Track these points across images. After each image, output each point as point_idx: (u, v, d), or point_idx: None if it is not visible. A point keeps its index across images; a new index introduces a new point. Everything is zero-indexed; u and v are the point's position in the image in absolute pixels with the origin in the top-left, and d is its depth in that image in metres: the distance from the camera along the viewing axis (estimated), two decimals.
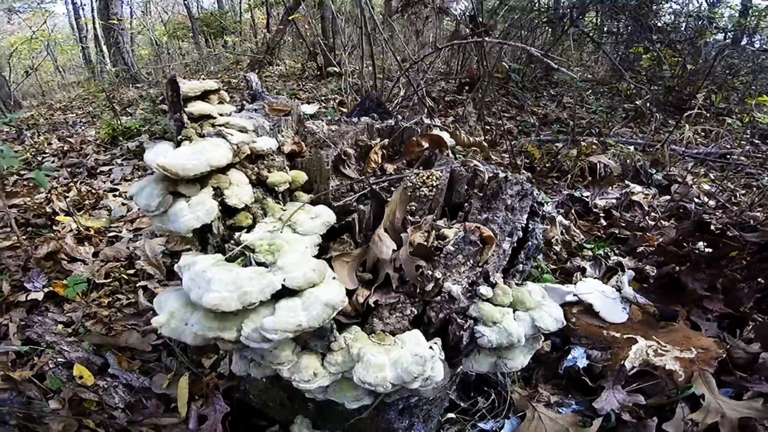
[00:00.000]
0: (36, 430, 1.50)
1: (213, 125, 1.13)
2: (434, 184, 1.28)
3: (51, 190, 3.24)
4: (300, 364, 0.98)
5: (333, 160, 1.38)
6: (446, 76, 6.18)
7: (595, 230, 2.78)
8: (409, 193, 1.28)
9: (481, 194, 1.28)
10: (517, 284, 1.22)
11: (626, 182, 3.32)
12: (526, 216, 1.28)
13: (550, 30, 7.13)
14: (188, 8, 11.41)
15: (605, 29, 8.04)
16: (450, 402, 1.62)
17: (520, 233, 1.26)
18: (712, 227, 2.20)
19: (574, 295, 1.95)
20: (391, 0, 7.17)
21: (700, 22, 7.69)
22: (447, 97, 5.38)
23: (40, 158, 4.38)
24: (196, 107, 1.13)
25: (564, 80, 6.73)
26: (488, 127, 4.36)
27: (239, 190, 1.07)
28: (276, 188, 1.17)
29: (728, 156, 4.24)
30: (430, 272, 1.08)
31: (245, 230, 1.07)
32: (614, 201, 3.05)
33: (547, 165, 3.70)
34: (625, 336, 1.76)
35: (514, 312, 1.16)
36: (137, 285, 2.31)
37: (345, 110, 4.44)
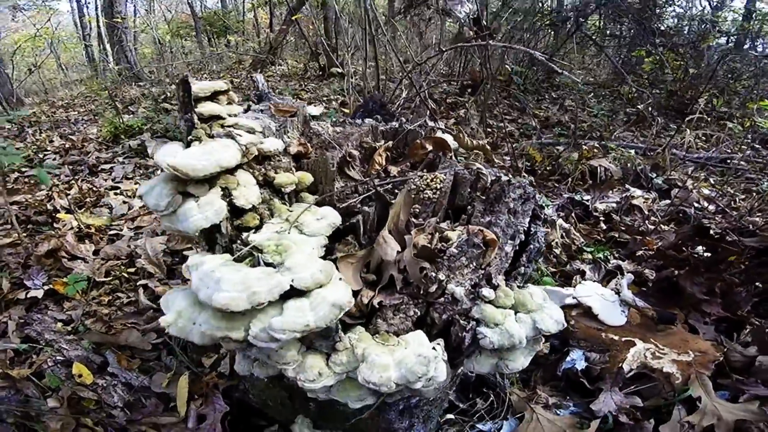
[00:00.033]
0: (34, 428, 1.49)
1: (222, 126, 1.15)
2: (438, 187, 1.30)
3: (52, 187, 3.24)
4: (305, 364, 1.00)
5: (338, 162, 1.40)
6: (448, 77, 6.21)
7: (595, 234, 2.79)
8: (413, 196, 1.30)
9: (484, 197, 1.30)
10: (518, 287, 1.24)
11: (626, 186, 3.34)
12: (528, 219, 1.29)
13: (552, 33, 7.15)
14: (192, 7, 11.43)
15: (608, 32, 8.06)
16: (449, 403, 1.63)
17: (522, 236, 1.28)
18: (712, 232, 2.22)
19: (574, 297, 1.97)
20: (393, 1, 7.19)
21: (703, 26, 7.71)
22: (449, 99, 5.39)
23: (41, 156, 4.37)
24: (206, 108, 1.15)
25: (566, 83, 6.75)
26: (490, 130, 4.38)
27: (247, 190, 1.09)
28: (282, 189, 1.19)
29: (729, 161, 4.26)
30: (433, 274, 1.10)
31: (253, 231, 1.09)
32: (614, 205, 3.07)
33: (548, 168, 3.72)
34: (623, 339, 1.78)
35: (515, 314, 1.18)
36: (138, 283, 2.31)
37: (347, 111, 4.46)
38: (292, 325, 0.87)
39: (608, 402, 1.56)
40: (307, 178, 1.28)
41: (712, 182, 3.84)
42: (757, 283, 2.08)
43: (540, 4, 7.25)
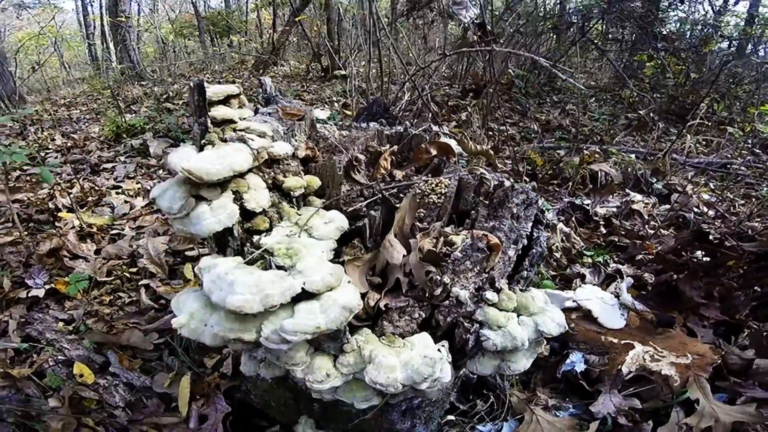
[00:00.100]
0: (35, 428, 1.49)
1: (234, 130, 1.17)
2: (443, 192, 1.33)
3: (54, 186, 3.23)
4: (313, 365, 1.02)
5: (344, 166, 1.42)
6: (450, 80, 6.23)
7: (595, 238, 2.82)
8: (418, 200, 1.33)
9: (487, 202, 1.33)
10: (521, 290, 1.27)
11: (627, 191, 3.37)
12: (530, 224, 1.32)
13: (555, 36, 7.18)
14: (195, 6, 11.46)
15: (609, 36, 8.08)
16: (450, 404, 1.65)
17: (525, 241, 1.30)
18: (711, 237, 2.25)
19: (574, 301, 1.99)
20: (396, 3, 7.22)
21: (705, 30, 7.73)
22: (450, 102, 5.42)
23: (43, 154, 4.37)
24: (220, 112, 1.18)
25: (567, 87, 6.78)
26: (491, 133, 4.41)
27: (257, 194, 1.12)
28: (291, 193, 1.22)
29: (729, 166, 4.28)
30: (438, 277, 1.13)
31: (263, 234, 1.11)
32: (614, 209, 3.10)
33: (549, 172, 3.74)
34: (622, 341, 1.80)
35: (518, 317, 1.21)
36: (139, 283, 2.31)
37: (349, 113, 4.48)
38: (303, 327, 0.89)
39: (607, 404, 1.58)
40: (315, 181, 1.30)
41: (712, 187, 3.87)
42: (755, 287, 2.10)
43: (543, 9, 7.28)
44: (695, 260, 2.25)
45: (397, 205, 1.28)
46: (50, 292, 2.20)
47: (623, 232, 2.83)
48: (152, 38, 12.64)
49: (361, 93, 4.90)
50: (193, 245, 2.60)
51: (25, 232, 2.65)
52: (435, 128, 1.70)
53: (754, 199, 3.57)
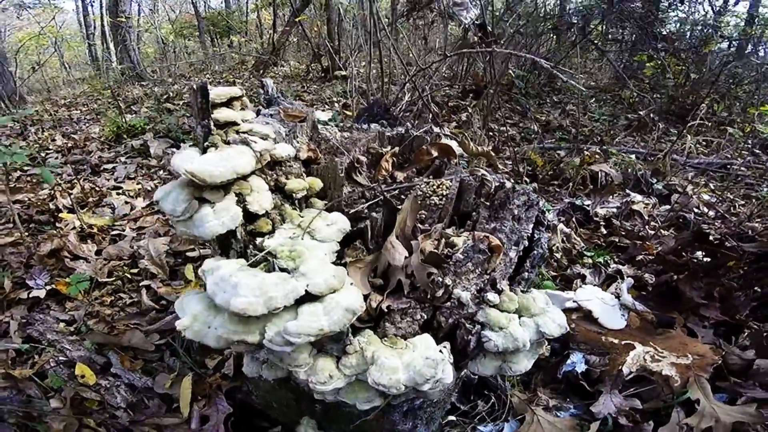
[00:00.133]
0: (36, 429, 1.49)
1: (237, 132, 1.18)
2: (444, 194, 1.34)
3: (54, 186, 3.24)
4: (316, 367, 1.03)
5: (346, 168, 1.43)
6: (451, 80, 6.24)
7: (596, 238, 2.83)
8: (419, 202, 1.33)
9: (488, 204, 1.33)
10: (522, 291, 1.27)
11: (627, 191, 3.38)
12: (531, 226, 1.33)
13: (555, 37, 7.19)
14: (195, 7, 11.47)
15: (609, 36, 8.09)
16: (451, 405, 1.65)
17: (526, 242, 1.31)
18: (711, 238, 2.26)
19: (574, 301, 2.00)
20: (396, 4, 7.23)
21: (705, 31, 7.74)
22: (450, 102, 5.43)
23: (43, 155, 4.37)
24: (222, 114, 1.18)
25: (567, 87, 6.79)
26: (491, 134, 4.42)
27: (260, 196, 1.12)
28: (294, 195, 1.23)
29: (729, 166, 4.29)
30: (440, 279, 1.14)
31: (266, 236, 1.12)
32: (615, 210, 3.10)
33: (549, 173, 3.75)
34: (623, 342, 1.81)
35: (519, 318, 1.21)
36: (140, 284, 2.31)
37: (349, 113, 4.49)
38: (307, 329, 0.90)
39: (608, 404, 1.59)
40: (317, 183, 1.31)
41: (712, 188, 3.88)
42: (755, 288, 2.11)
43: (543, 9, 7.29)
44: (695, 261, 2.26)
45: (399, 207, 1.29)
46: (51, 292, 2.20)
47: (623, 233, 2.84)
48: (152, 38, 12.65)
49: (361, 93, 4.90)
50: (194, 246, 2.60)
51: (26, 233, 2.65)
52: (436, 129, 1.70)
53: (754, 200, 3.58)
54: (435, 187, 1.37)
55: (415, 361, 1.01)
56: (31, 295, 2.15)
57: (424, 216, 1.34)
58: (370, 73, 4.70)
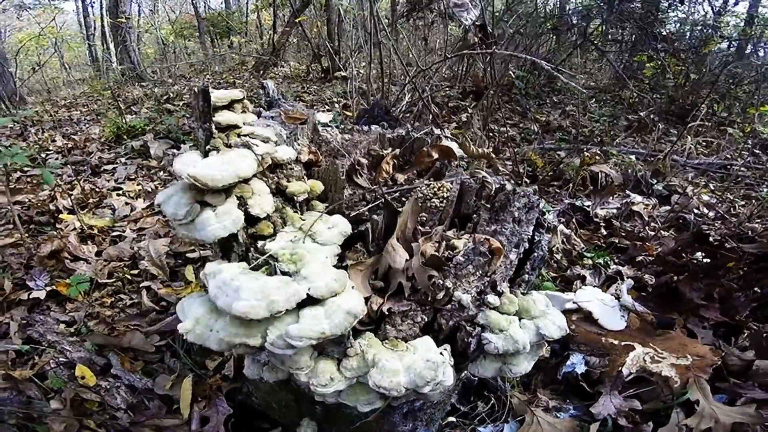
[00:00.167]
0: (36, 430, 1.49)
1: (239, 135, 1.18)
2: (445, 196, 1.34)
3: (55, 187, 3.24)
4: (317, 369, 1.03)
5: (347, 170, 1.43)
6: (451, 81, 6.25)
7: (596, 239, 2.83)
8: (420, 204, 1.34)
9: (489, 206, 1.34)
10: (522, 293, 1.28)
11: (627, 192, 3.38)
12: (532, 228, 1.33)
13: (555, 37, 7.19)
14: (195, 7, 11.48)
15: (609, 37, 8.09)
16: (451, 406, 1.66)
17: (527, 245, 1.31)
18: (711, 239, 2.26)
19: (574, 302, 2.00)
20: (396, 4, 7.23)
21: (705, 31, 7.75)
22: (451, 103, 5.44)
23: (44, 155, 4.37)
24: (224, 117, 1.19)
25: (567, 88, 6.79)
26: (492, 134, 4.42)
27: (261, 199, 1.13)
28: (295, 198, 1.23)
29: (729, 167, 4.30)
30: (441, 281, 1.14)
31: (267, 239, 1.12)
32: (615, 211, 3.11)
33: (549, 174, 3.76)
34: (622, 343, 1.81)
35: (519, 320, 1.22)
36: (140, 285, 2.32)
37: (349, 113, 4.49)
38: (309, 333, 0.91)
39: (608, 405, 1.60)
40: (318, 186, 1.31)
41: (712, 188, 3.88)
42: (755, 289, 2.11)
43: (543, 9, 7.30)
44: (695, 262, 2.26)
45: (400, 209, 1.29)
46: (51, 294, 2.20)
47: (623, 234, 2.84)
48: (152, 39, 12.66)
49: (361, 94, 4.91)
50: (195, 247, 2.60)
51: (26, 234, 2.65)
52: (436, 131, 1.71)
53: (754, 200, 3.58)
54: (436, 189, 1.37)
55: (415, 363, 1.01)
56: (31, 296, 2.15)
57: (424, 218, 1.34)
58: (370, 74, 4.70)
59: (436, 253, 1.16)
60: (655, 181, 3.63)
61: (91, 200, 3.33)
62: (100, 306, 2.18)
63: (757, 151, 4.92)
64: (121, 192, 3.54)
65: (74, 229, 2.80)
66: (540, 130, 5.22)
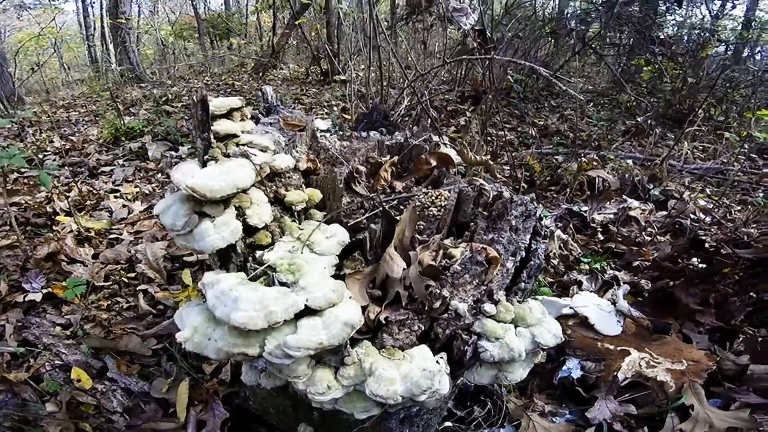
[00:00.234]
0: None
1: (237, 144, 1.19)
2: (443, 204, 1.35)
3: (52, 189, 3.22)
4: (315, 378, 1.04)
5: (345, 178, 1.44)
6: (449, 85, 6.26)
7: (593, 244, 2.85)
8: (418, 213, 1.35)
9: (486, 214, 1.35)
10: (518, 301, 1.29)
11: (624, 197, 3.40)
12: (529, 236, 1.34)
13: (553, 41, 7.22)
14: (195, 9, 11.48)
15: (607, 40, 8.12)
16: (447, 411, 1.66)
17: (523, 253, 1.32)
18: (707, 244, 2.28)
19: (571, 307, 2.02)
20: (396, 8, 7.25)
21: (703, 35, 7.78)
22: (449, 107, 5.45)
23: (41, 156, 4.35)
24: (222, 126, 1.19)
25: (565, 91, 6.81)
26: (490, 138, 4.44)
27: (259, 209, 1.14)
28: (293, 207, 1.24)
29: (725, 172, 4.32)
30: (438, 291, 1.15)
31: (266, 249, 1.13)
32: (612, 216, 3.12)
33: (547, 179, 3.77)
34: (618, 348, 1.83)
35: (515, 328, 1.23)
36: (137, 288, 2.32)
37: (348, 117, 4.50)
38: (306, 343, 0.92)
39: (603, 410, 1.61)
40: (317, 194, 1.32)
41: (709, 193, 3.90)
42: (750, 294, 2.13)
43: (542, 13, 7.32)
44: (691, 267, 2.27)
45: (398, 218, 1.30)
46: (47, 296, 2.20)
47: (620, 239, 2.86)
48: (152, 40, 12.65)
49: (360, 97, 4.92)
50: (192, 251, 2.60)
51: (23, 236, 2.65)
52: (435, 138, 1.72)
53: (750, 206, 3.60)
54: (434, 197, 1.38)
55: (412, 372, 1.02)
56: (27, 299, 2.15)
57: (422, 227, 1.35)
58: (369, 77, 4.71)
59: (433, 263, 1.17)
60: (652, 186, 3.65)
61: (88, 202, 3.32)
62: (97, 309, 2.18)
63: (754, 156, 4.94)
64: (118, 194, 3.52)
65: (71, 231, 2.79)
66: (538, 134, 5.24)
